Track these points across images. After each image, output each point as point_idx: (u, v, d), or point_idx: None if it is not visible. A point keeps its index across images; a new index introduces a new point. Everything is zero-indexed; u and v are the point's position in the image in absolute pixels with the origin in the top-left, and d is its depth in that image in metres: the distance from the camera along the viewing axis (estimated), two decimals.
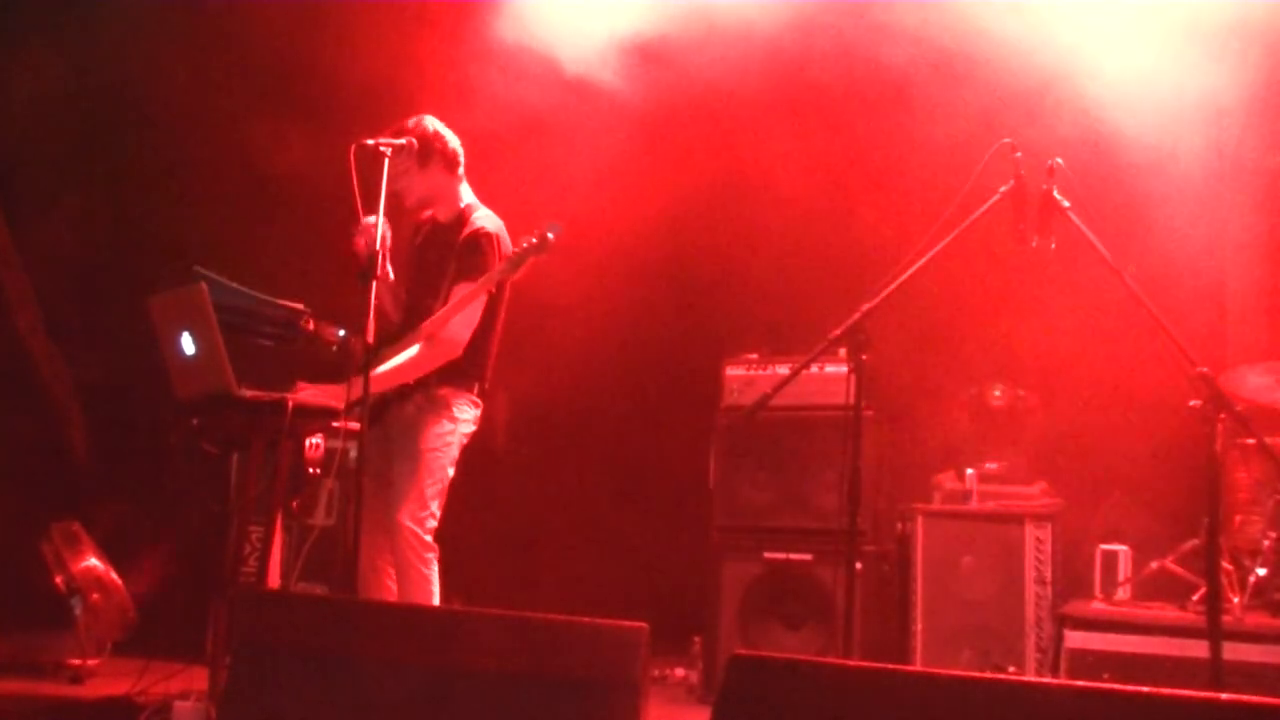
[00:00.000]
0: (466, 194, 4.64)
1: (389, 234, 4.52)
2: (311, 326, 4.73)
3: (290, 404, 4.21)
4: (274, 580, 5.34)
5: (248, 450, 4.43)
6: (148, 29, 6.65)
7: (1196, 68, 5.30)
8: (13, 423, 6.61)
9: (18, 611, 5.58)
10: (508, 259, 4.33)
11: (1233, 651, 4.04)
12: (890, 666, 2.98)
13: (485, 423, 4.64)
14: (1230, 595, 4.76)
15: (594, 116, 6.17)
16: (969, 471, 5.56)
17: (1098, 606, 5.13)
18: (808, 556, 5.45)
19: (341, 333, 4.82)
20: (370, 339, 4.04)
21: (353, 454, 4.51)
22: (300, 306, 4.74)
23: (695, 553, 5.82)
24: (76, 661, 5.26)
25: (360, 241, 4.34)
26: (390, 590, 4.40)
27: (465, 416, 4.50)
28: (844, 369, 4.45)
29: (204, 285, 4.25)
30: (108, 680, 5.02)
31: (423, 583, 4.28)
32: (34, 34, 6.71)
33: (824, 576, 5.35)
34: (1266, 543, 4.96)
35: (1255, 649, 4.46)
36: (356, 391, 4.00)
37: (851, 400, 3.96)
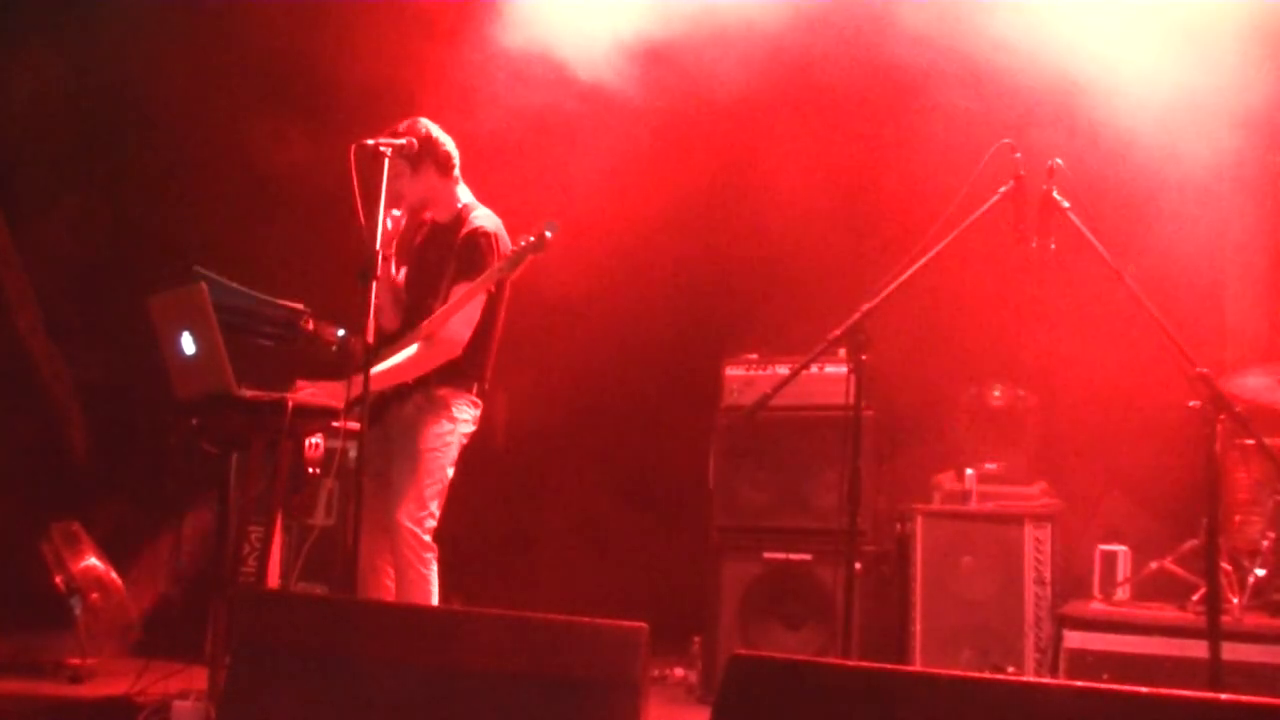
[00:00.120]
0: (464, 194, 4.64)
1: (402, 222, 4.53)
2: (311, 326, 4.74)
3: (290, 404, 4.21)
4: (273, 580, 5.35)
5: (248, 450, 4.43)
6: (148, 29, 6.65)
7: (1197, 68, 5.30)
8: (13, 423, 6.61)
9: (17, 611, 5.59)
10: (506, 258, 4.34)
11: (1232, 652, 4.04)
12: (889, 666, 2.98)
13: (485, 423, 4.64)
14: (1229, 596, 4.77)
15: (594, 117, 6.17)
16: (968, 472, 5.56)
17: (1097, 607, 5.13)
18: (807, 556, 5.45)
19: (341, 333, 4.83)
20: (370, 339, 4.04)
21: (352, 454, 4.51)
22: (300, 306, 4.74)
23: (695, 553, 5.82)
24: (76, 661, 5.26)
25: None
26: (389, 590, 4.40)
27: (465, 416, 4.50)
28: (844, 369, 4.45)
29: (204, 285, 4.25)
30: (107, 680, 5.03)
31: (421, 583, 4.28)
32: (34, 34, 6.71)
33: (823, 576, 5.35)
34: (1266, 543, 4.96)
35: (1254, 649, 4.46)
36: (356, 391, 4.00)
37: (851, 400, 3.96)
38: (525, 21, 6.11)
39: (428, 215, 4.70)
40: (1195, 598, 4.85)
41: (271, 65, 6.62)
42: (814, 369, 4.89)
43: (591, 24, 6.02)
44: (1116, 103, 5.40)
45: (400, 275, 4.67)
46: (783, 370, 5.50)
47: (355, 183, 4.11)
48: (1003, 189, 3.96)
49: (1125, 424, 5.65)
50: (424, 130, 4.52)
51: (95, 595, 5.58)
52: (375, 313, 4.08)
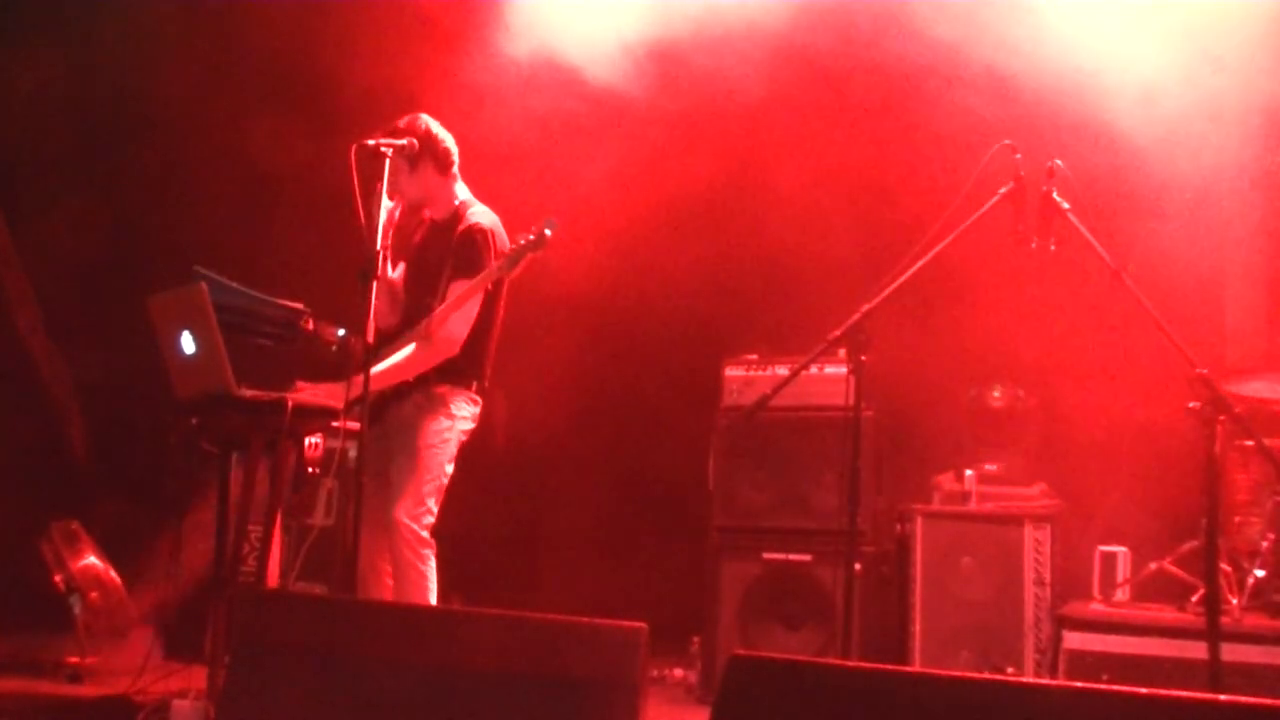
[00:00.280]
0: (462, 191, 4.64)
1: (395, 214, 4.53)
2: (311, 326, 4.74)
3: (290, 404, 4.21)
4: (272, 580, 5.35)
5: (248, 450, 4.43)
6: (148, 29, 6.65)
7: (1197, 68, 5.30)
8: (13, 422, 6.61)
9: (17, 610, 5.59)
10: (505, 256, 4.33)
11: (1231, 653, 4.03)
12: (889, 667, 2.98)
13: (485, 422, 4.64)
14: (1229, 597, 4.77)
15: (594, 117, 6.17)
16: (968, 472, 5.56)
17: (1096, 607, 5.13)
18: (807, 557, 5.45)
19: (341, 332, 4.83)
20: (370, 339, 4.04)
21: (352, 453, 4.51)
22: (300, 306, 4.74)
23: (694, 553, 5.82)
24: (75, 660, 5.26)
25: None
26: (389, 589, 4.40)
27: (464, 414, 4.50)
28: (843, 370, 4.45)
29: (204, 285, 4.25)
30: (106, 679, 5.02)
31: (420, 580, 4.28)
32: (34, 34, 6.71)
33: (823, 577, 5.35)
34: (1265, 544, 4.96)
35: (1254, 650, 4.46)
36: (356, 391, 4.00)
37: (851, 401, 3.95)
38: (526, 21, 6.12)
39: (426, 213, 4.70)
40: (1195, 599, 4.85)
41: (272, 65, 6.63)
42: (814, 369, 4.89)
43: (592, 24, 6.02)
44: (1118, 103, 5.41)
45: (398, 272, 4.67)
46: (782, 371, 5.50)
47: (355, 183, 4.11)
48: (1002, 190, 3.96)
49: (1125, 425, 5.65)
50: (423, 127, 4.52)
51: (94, 594, 5.58)
52: (374, 313, 4.08)
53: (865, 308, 3.90)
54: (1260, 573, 4.90)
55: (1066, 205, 3.94)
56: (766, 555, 5.53)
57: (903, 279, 3.92)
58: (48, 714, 4.74)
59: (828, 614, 5.34)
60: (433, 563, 4.31)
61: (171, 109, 6.88)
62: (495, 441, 6.41)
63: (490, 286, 4.46)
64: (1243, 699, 2.31)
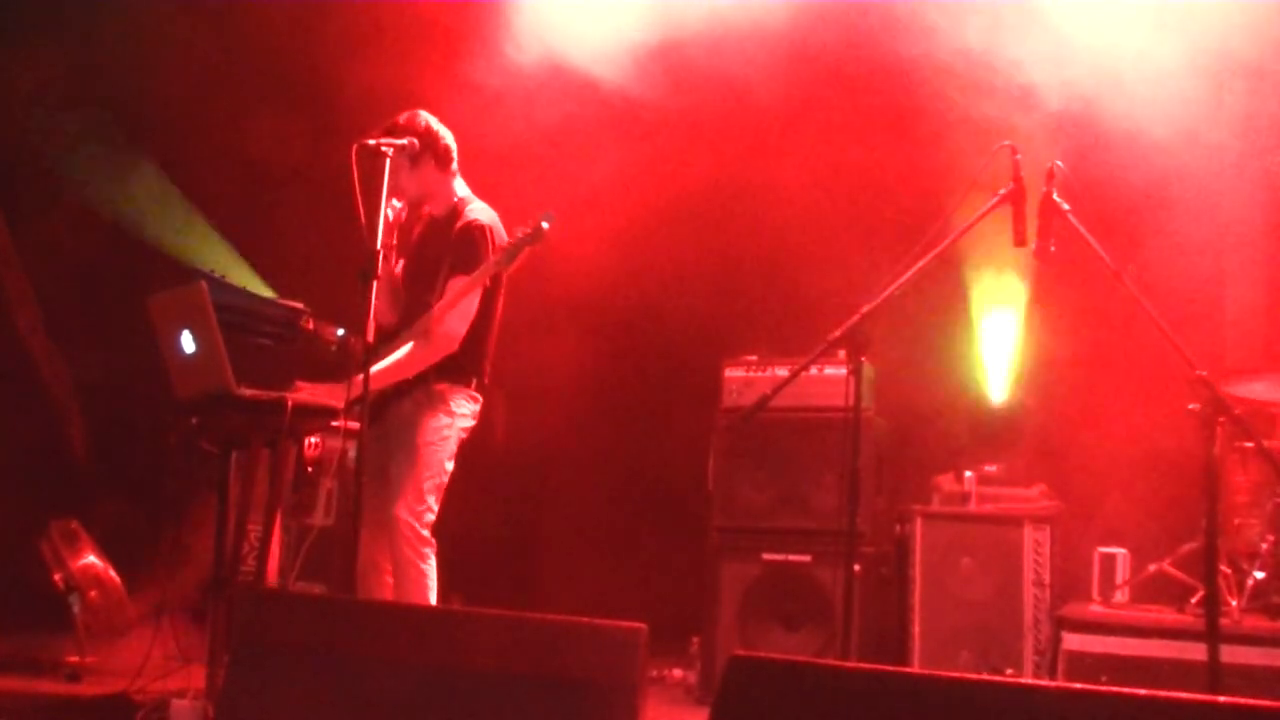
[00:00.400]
0: (461, 188, 4.64)
1: (403, 215, 4.53)
2: (311, 326, 4.74)
3: (289, 403, 4.21)
4: (272, 579, 5.35)
5: (247, 449, 4.43)
6: (148, 29, 6.65)
7: (1197, 69, 5.30)
8: (13, 422, 6.61)
9: (16, 609, 5.59)
10: (503, 250, 4.32)
11: (1230, 654, 4.03)
12: (888, 668, 2.98)
13: (484, 420, 4.63)
14: (1228, 598, 4.77)
15: (594, 117, 6.18)
16: (968, 473, 5.56)
17: (1096, 609, 5.13)
18: (806, 557, 5.45)
19: (341, 332, 4.83)
20: (370, 338, 4.03)
21: (352, 453, 4.51)
22: (300, 306, 4.74)
23: (694, 553, 5.82)
24: (74, 659, 5.26)
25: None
26: (389, 587, 4.39)
27: (463, 411, 4.49)
28: (843, 370, 4.45)
29: (204, 284, 4.25)
30: (105, 678, 5.02)
31: (420, 578, 4.27)
32: (34, 34, 6.71)
33: (823, 577, 5.35)
34: (1264, 546, 4.96)
35: (1253, 652, 4.46)
36: (356, 390, 3.99)
37: (851, 402, 3.95)
38: (526, 21, 6.12)
39: (425, 209, 4.69)
40: (1194, 600, 4.85)
41: (272, 65, 6.63)
42: (813, 370, 4.89)
43: (592, 24, 6.03)
44: (1118, 105, 5.41)
45: (398, 269, 4.67)
46: (782, 371, 5.50)
47: (356, 182, 4.11)
48: (1001, 191, 3.95)
49: (1124, 427, 5.65)
50: (423, 124, 4.52)
51: (94, 593, 5.58)
52: (375, 311, 4.08)
53: (865, 309, 3.90)
54: (1259, 574, 4.90)
55: (1067, 206, 3.94)
56: (766, 556, 5.53)
57: (903, 280, 3.92)
58: (47, 713, 4.74)
59: (827, 615, 5.34)
60: (433, 561, 4.31)
61: (172, 108, 6.88)
62: (495, 441, 6.41)
63: (489, 282, 4.45)
64: (1242, 700, 2.31)
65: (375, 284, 4.09)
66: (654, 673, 5.79)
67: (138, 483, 6.36)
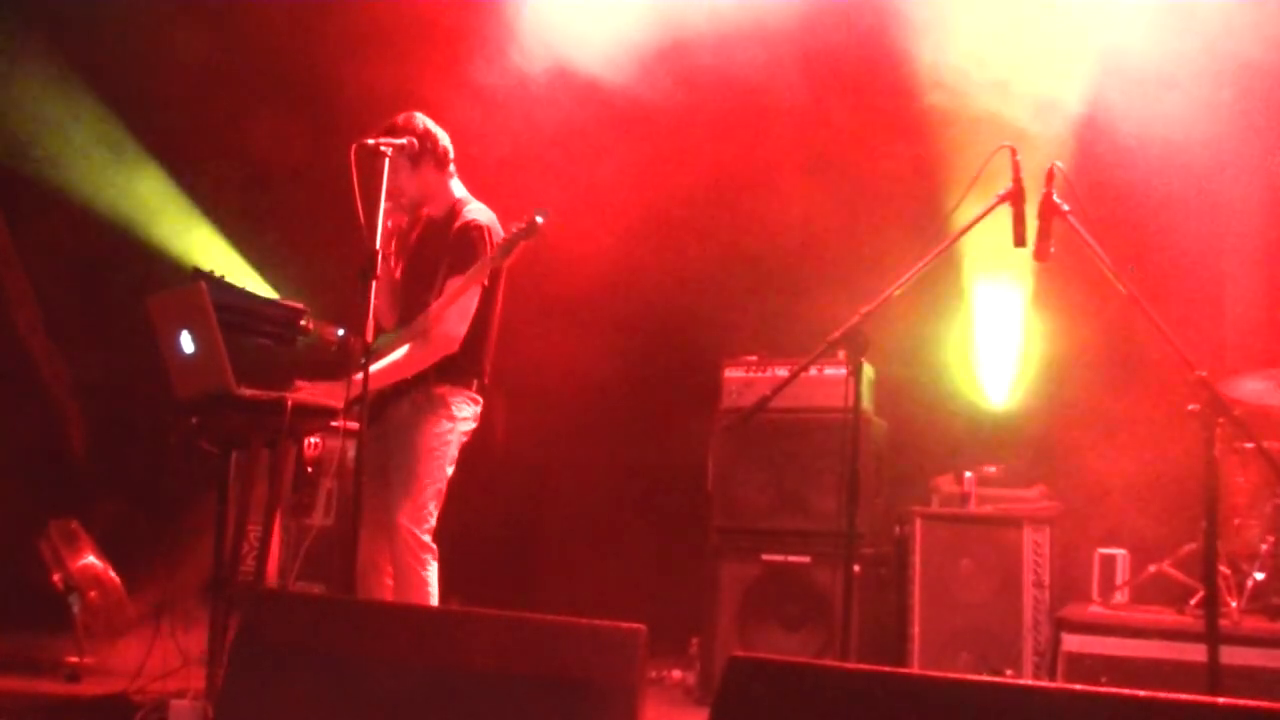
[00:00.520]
0: (458, 188, 4.64)
1: (405, 223, 4.53)
2: (311, 326, 4.74)
3: (289, 403, 4.20)
4: (272, 579, 5.34)
5: (247, 449, 4.43)
6: (148, 29, 6.65)
7: (1196, 69, 5.31)
8: (12, 422, 6.61)
9: (15, 609, 5.59)
10: (497, 246, 4.32)
11: (1230, 655, 4.03)
12: (887, 669, 2.98)
13: (485, 422, 4.63)
14: (1228, 599, 4.77)
15: (594, 118, 6.18)
16: (967, 474, 5.56)
17: (1095, 610, 5.13)
18: (806, 558, 5.45)
19: (340, 332, 4.82)
20: (369, 338, 4.03)
21: (351, 453, 4.50)
22: (300, 306, 4.74)
23: (693, 554, 5.82)
24: (74, 659, 5.25)
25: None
26: (389, 589, 4.39)
27: (464, 415, 4.48)
28: (843, 371, 4.45)
29: (204, 285, 4.25)
30: (104, 678, 5.02)
31: (421, 585, 4.27)
32: (34, 34, 6.72)
33: (822, 579, 5.35)
34: (1264, 547, 4.96)
35: (1253, 653, 4.46)
36: (355, 390, 3.99)
37: (850, 402, 3.95)
38: (526, 21, 6.12)
39: (424, 211, 4.69)
40: (1194, 601, 4.85)
41: (272, 65, 6.63)
42: (813, 371, 4.89)
43: (592, 24, 6.03)
44: (1119, 106, 5.41)
45: (397, 274, 4.67)
46: (782, 372, 5.50)
47: (355, 182, 4.10)
48: (1000, 192, 3.95)
49: (1124, 427, 5.66)
50: (420, 126, 4.51)
51: (93, 594, 5.57)
52: (375, 312, 4.08)
53: (864, 310, 3.90)
54: (1259, 575, 4.90)
55: (1066, 207, 3.93)
56: (765, 557, 5.53)
57: (903, 281, 3.92)
58: (46, 713, 4.74)
59: (826, 616, 5.34)
60: (434, 567, 4.30)
61: (173, 108, 6.88)
62: (495, 441, 6.42)
63: (488, 282, 4.45)
64: (1241, 701, 2.31)
65: (375, 284, 4.08)
66: (653, 674, 5.79)
67: (138, 483, 6.36)
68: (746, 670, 2.64)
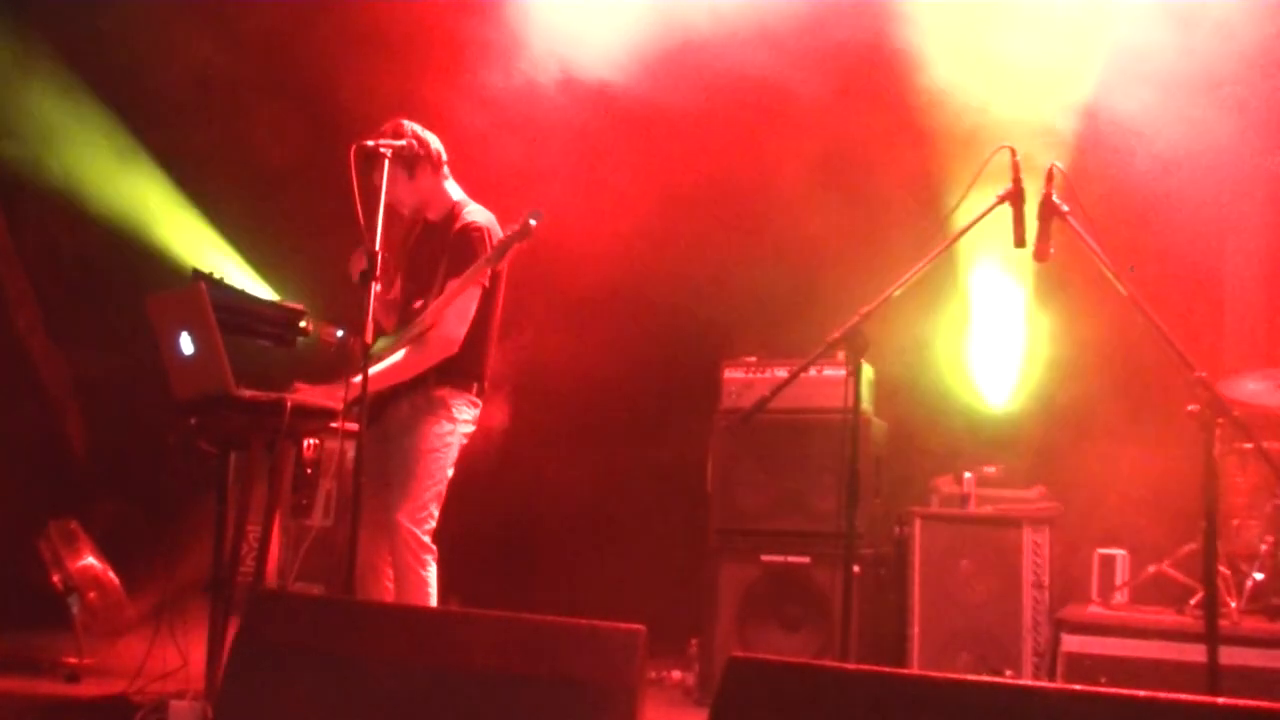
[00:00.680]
0: (455, 190, 4.63)
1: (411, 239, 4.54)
2: (310, 327, 4.74)
3: (288, 404, 4.20)
4: (271, 580, 5.34)
5: (246, 450, 4.43)
6: (148, 28, 6.65)
7: (1195, 69, 5.31)
8: (12, 421, 6.61)
9: (15, 609, 5.59)
10: (493, 248, 4.32)
11: (1229, 656, 4.03)
12: (887, 669, 2.98)
13: (484, 422, 4.62)
14: (1227, 600, 4.77)
15: (594, 118, 6.17)
16: (967, 475, 5.56)
17: (1095, 610, 5.13)
18: (805, 559, 5.45)
19: (340, 333, 4.82)
20: (369, 339, 4.03)
21: (351, 455, 4.50)
22: (299, 306, 4.74)
23: (693, 555, 5.81)
24: (73, 660, 5.25)
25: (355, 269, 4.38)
26: (388, 590, 4.39)
27: (464, 417, 4.48)
28: (842, 372, 4.45)
29: (203, 285, 4.25)
30: (104, 679, 5.02)
31: (420, 585, 4.26)
32: (35, 34, 6.72)
33: (821, 579, 5.35)
34: (1264, 547, 4.97)
35: (1252, 653, 4.46)
36: (355, 392, 3.99)
37: (850, 403, 3.95)
38: (525, 22, 6.12)
39: (428, 215, 4.69)
40: (1193, 601, 4.86)
41: (272, 65, 6.63)
42: (812, 372, 4.89)
43: (591, 24, 6.03)
44: (1119, 106, 5.41)
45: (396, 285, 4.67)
46: (781, 373, 5.50)
47: (355, 183, 4.10)
48: (999, 192, 3.95)
49: (1124, 428, 5.66)
50: (410, 132, 4.50)
51: (92, 594, 5.58)
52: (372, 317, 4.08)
53: (864, 311, 3.90)
54: (1259, 576, 4.91)
55: (1066, 208, 3.93)
56: (765, 557, 5.53)
57: (902, 281, 3.92)
58: (45, 714, 4.74)
59: (826, 616, 5.34)
60: (433, 568, 4.30)
61: (172, 109, 6.88)
62: (495, 442, 6.42)
63: (487, 284, 4.45)
64: (1241, 702, 2.31)
65: (374, 285, 4.08)
66: (653, 674, 5.79)
67: (137, 483, 6.37)
68: (746, 671, 2.64)
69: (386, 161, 4.21)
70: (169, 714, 4.24)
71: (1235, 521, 5.13)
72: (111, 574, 5.68)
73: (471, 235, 4.44)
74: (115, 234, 6.88)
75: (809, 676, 2.63)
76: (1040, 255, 3.96)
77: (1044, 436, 5.91)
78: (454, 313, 4.36)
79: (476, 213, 4.54)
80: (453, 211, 4.56)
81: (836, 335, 3.92)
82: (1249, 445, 4.86)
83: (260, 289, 6.55)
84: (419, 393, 4.41)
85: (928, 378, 6.12)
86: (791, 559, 5.47)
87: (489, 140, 5.74)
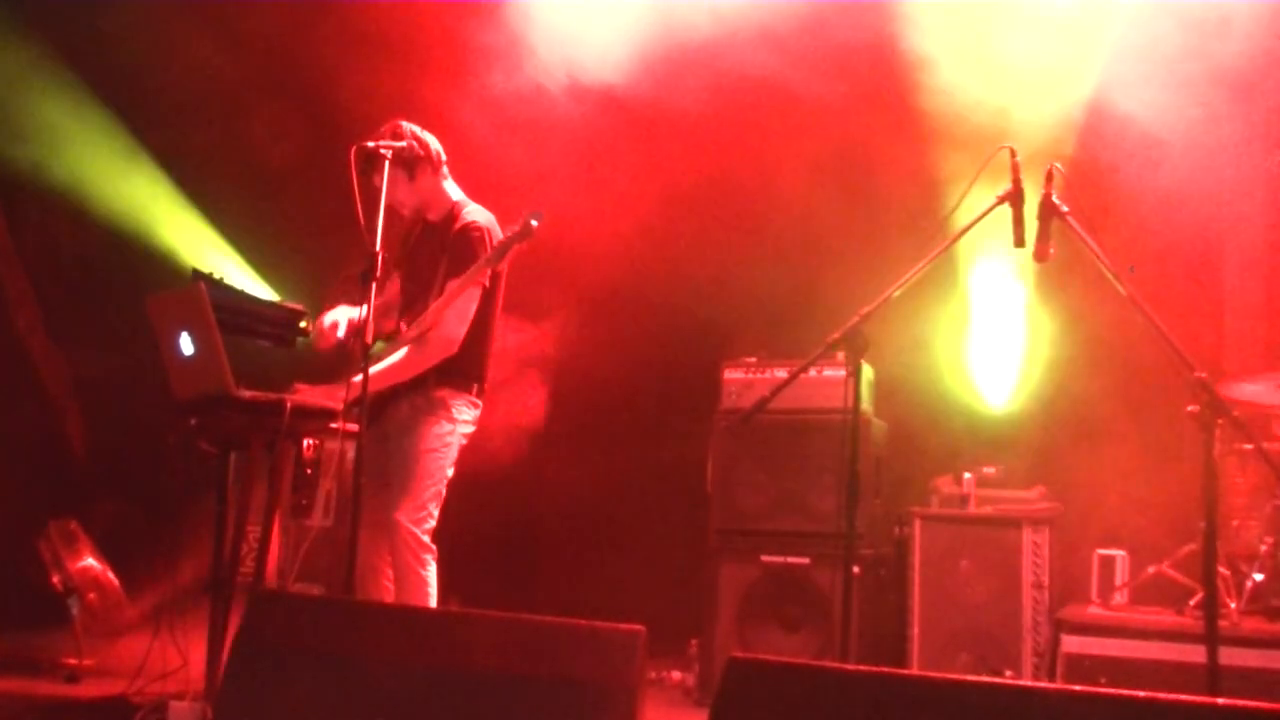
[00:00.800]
0: (454, 191, 4.63)
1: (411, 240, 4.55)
2: (310, 327, 4.74)
3: (288, 404, 4.20)
4: (271, 580, 5.34)
5: (246, 450, 4.43)
6: (148, 28, 6.65)
7: (1196, 69, 5.31)
8: (12, 421, 6.61)
9: (14, 610, 5.58)
10: (493, 248, 4.32)
11: (1229, 657, 4.03)
12: (887, 670, 2.98)
13: (484, 422, 4.63)
14: (1227, 600, 4.77)
15: (594, 118, 6.17)
16: (966, 475, 5.56)
17: (1094, 611, 5.13)
18: (805, 560, 5.45)
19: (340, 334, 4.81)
20: (369, 339, 4.03)
21: (350, 455, 4.50)
22: (299, 308, 4.74)
23: (693, 555, 5.81)
24: (73, 661, 5.25)
25: (321, 343, 4.42)
26: (388, 590, 4.39)
27: (465, 417, 4.48)
28: (842, 372, 4.45)
29: (203, 285, 4.25)
30: (103, 679, 5.02)
31: (420, 585, 4.26)
32: (35, 34, 6.72)
33: (821, 580, 5.35)
34: (1263, 548, 4.96)
35: (1252, 654, 4.46)
36: (355, 392, 3.99)
37: (849, 404, 3.95)
38: (525, 22, 6.12)
39: (429, 215, 4.69)
40: (1193, 602, 4.85)
41: (272, 65, 6.63)
42: (812, 372, 4.89)
43: (591, 24, 6.03)
44: (1119, 106, 5.41)
45: (396, 282, 4.67)
46: (781, 373, 5.50)
47: (355, 184, 4.10)
48: (999, 193, 3.95)
49: (1124, 428, 5.66)
50: (409, 133, 4.50)
51: (92, 595, 5.58)
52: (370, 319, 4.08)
53: (864, 311, 3.90)
54: (1259, 576, 4.90)
55: (1066, 208, 3.93)
56: (765, 558, 5.53)
57: (902, 282, 3.92)
58: (45, 714, 4.74)
59: (826, 617, 5.34)
60: (433, 568, 4.29)
61: (171, 109, 6.88)
62: (494, 442, 6.41)
63: (487, 284, 4.45)
64: (1241, 702, 2.31)
65: (374, 285, 4.08)
66: (653, 675, 5.79)
67: (137, 483, 6.36)
68: (746, 671, 2.64)
69: (386, 163, 4.21)
70: (169, 714, 4.24)
71: (1235, 522, 5.13)
72: (111, 574, 5.68)
73: (471, 236, 4.44)
74: (115, 234, 6.88)
75: (809, 677, 2.63)
76: (1040, 255, 3.96)
77: (1044, 436, 5.91)
78: (454, 313, 4.36)
79: (476, 213, 4.54)
80: (453, 212, 4.56)
81: (836, 335, 3.92)
82: (1249, 446, 4.86)
83: (260, 289, 6.55)
84: (419, 393, 4.41)
85: (927, 378, 6.12)
86: (791, 559, 5.47)
87: (489, 141, 5.74)
